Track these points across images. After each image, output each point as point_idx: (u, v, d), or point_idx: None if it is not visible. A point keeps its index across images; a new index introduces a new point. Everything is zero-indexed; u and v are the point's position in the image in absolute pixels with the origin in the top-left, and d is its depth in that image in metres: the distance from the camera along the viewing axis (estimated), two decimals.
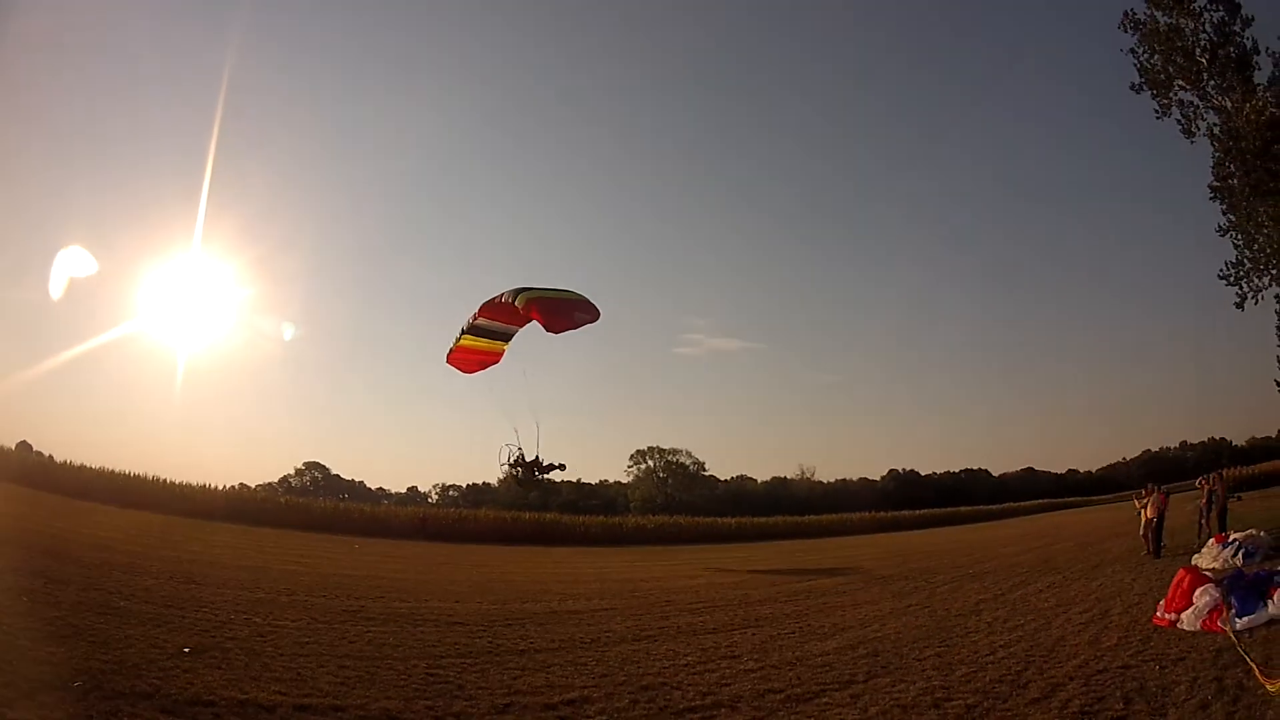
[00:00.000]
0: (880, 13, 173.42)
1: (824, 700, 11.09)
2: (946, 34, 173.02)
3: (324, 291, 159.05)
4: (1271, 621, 13.62)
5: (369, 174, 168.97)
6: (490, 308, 29.13)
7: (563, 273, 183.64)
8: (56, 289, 33.64)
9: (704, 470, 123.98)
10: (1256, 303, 52.50)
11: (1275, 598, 14.19)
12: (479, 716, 10.03)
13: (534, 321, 28.29)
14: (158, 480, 53.22)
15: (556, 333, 27.91)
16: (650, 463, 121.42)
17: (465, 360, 32.20)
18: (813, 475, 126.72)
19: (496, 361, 31.71)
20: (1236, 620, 13.56)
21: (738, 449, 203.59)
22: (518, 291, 27.73)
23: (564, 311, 28.89)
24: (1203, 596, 14.65)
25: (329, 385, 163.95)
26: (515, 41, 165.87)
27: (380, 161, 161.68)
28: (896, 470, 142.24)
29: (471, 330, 30.07)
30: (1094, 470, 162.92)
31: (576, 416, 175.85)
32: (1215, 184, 51.26)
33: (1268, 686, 9.86)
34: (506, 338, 30.80)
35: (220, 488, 58.01)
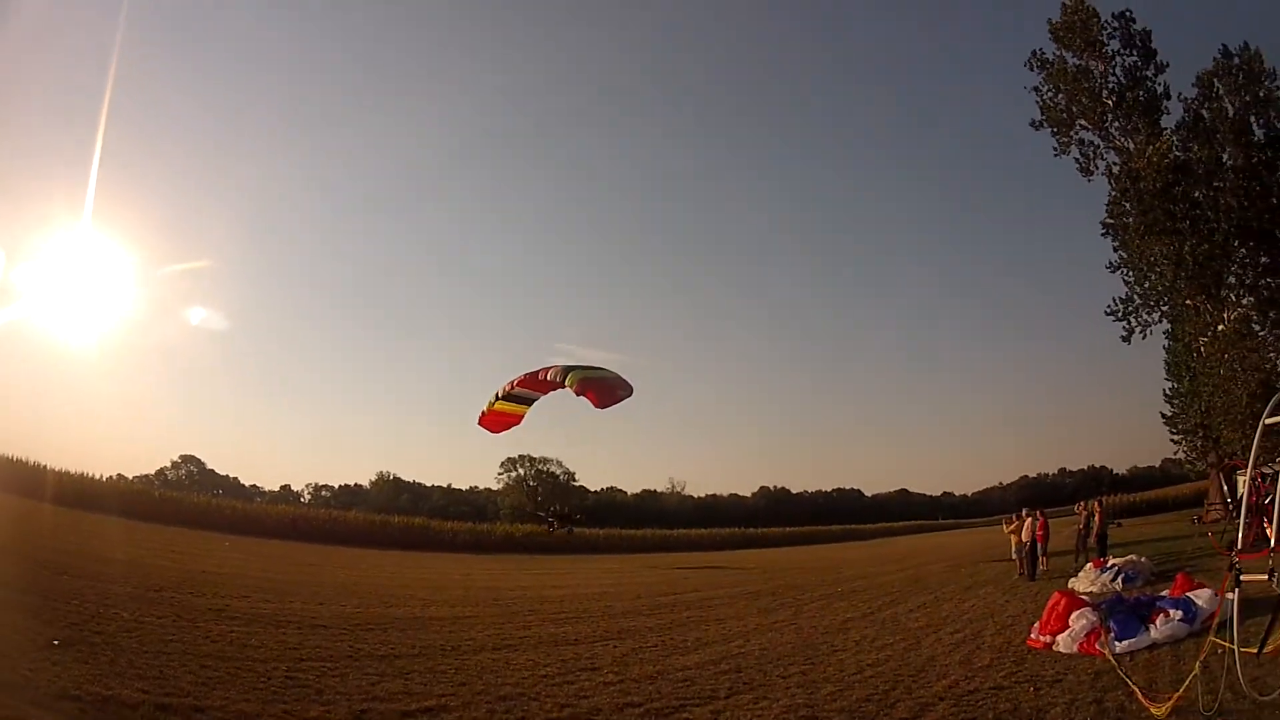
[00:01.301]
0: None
1: (684, 716, 10.97)
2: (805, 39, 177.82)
3: (221, 275, 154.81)
4: (1154, 646, 13.96)
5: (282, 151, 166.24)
6: (531, 380, 32.51)
7: (432, 267, 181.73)
8: None
9: (574, 480, 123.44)
10: (1144, 337, 54.80)
11: (1158, 623, 14.58)
12: None
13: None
14: (38, 466, 52.11)
15: (602, 409, 30.76)
16: (521, 470, 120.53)
17: (496, 422, 34.40)
18: (683, 489, 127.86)
19: (519, 423, 33.88)
20: (1116, 643, 13.83)
21: (609, 458, 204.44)
22: (567, 371, 30.45)
23: (611, 391, 31.79)
24: (1079, 620, 14.93)
25: (209, 376, 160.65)
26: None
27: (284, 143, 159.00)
28: (767, 487, 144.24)
29: (508, 398, 32.37)
30: (969, 494, 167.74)
31: (450, 419, 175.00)
32: (1109, 221, 53.38)
33: (1152, 710, 10.00)
34: (532, 402, 33.18)
35: (100, 477, 57.92)
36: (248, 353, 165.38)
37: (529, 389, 34.42)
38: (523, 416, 35.75)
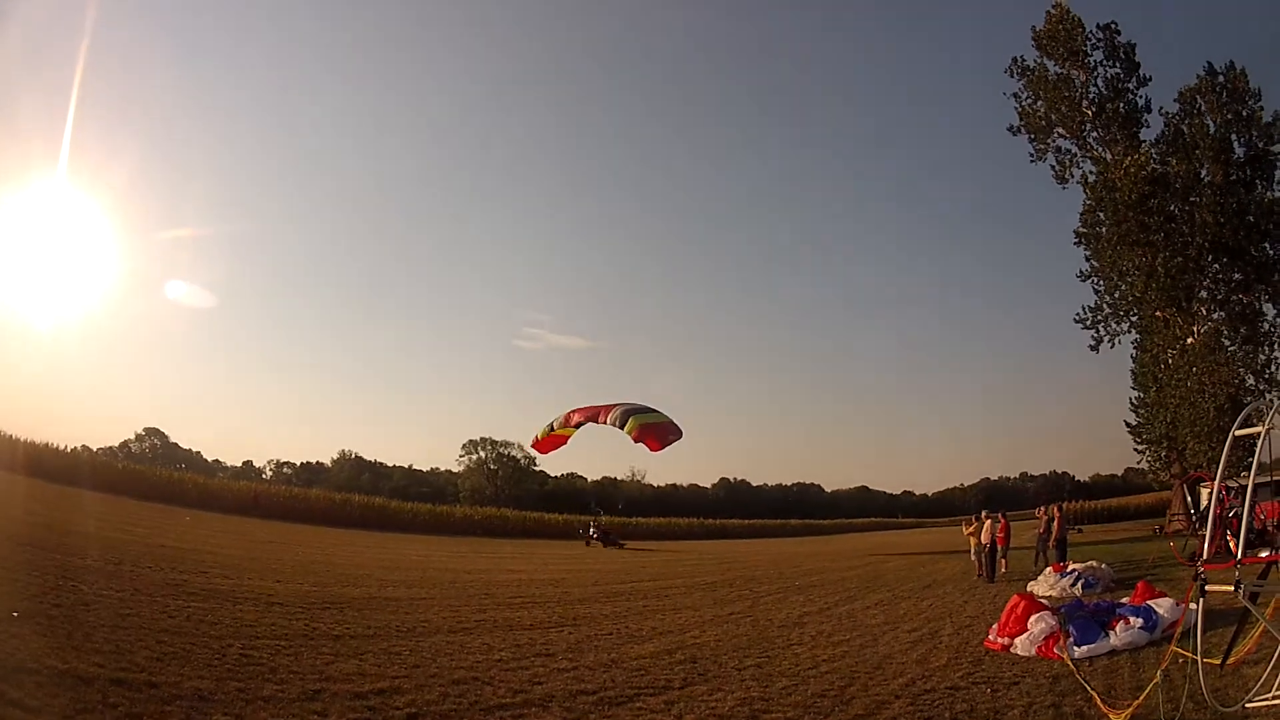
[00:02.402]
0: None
1: (638, 705, 10.86)
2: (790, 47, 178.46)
3: (198, 248, 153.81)
4: (1113, 652, 14.02)
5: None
6: (587, 414, 39.95)
7: (408, 246, 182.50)
8: None
9: (535, 465, 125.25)
10: (1112, 346, 55.37)
11: (1118, 629, 14.64)
12: (288, 701, 9.74)
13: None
14: (5, 435, 51.91)
15: (656, 451, 38.83)
16: (482, 454, 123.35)
17: (550, 445, 44.47)
18: (643, 478, 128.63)
19: (565, 444, 42.78)
20: (1075, 648, 13.87)
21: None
22: (626, 416, 37.59)
23: (664, 437, 39.10)
24: (1038, 623, 14.97)
25: (174, 348, 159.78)
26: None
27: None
28: (728, 479, 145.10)
29: (565, 427, 40.29)
30: (930, 493, 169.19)
31: (415, 397, 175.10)
32: (1082, 230, 53.75)
33: (1111, 716, 10.02)
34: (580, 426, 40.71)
35: (66, 448, 57.82)
36: (215, 326, 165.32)
37: (585, 419, 40.08)
38: (570, 438, 42.82)
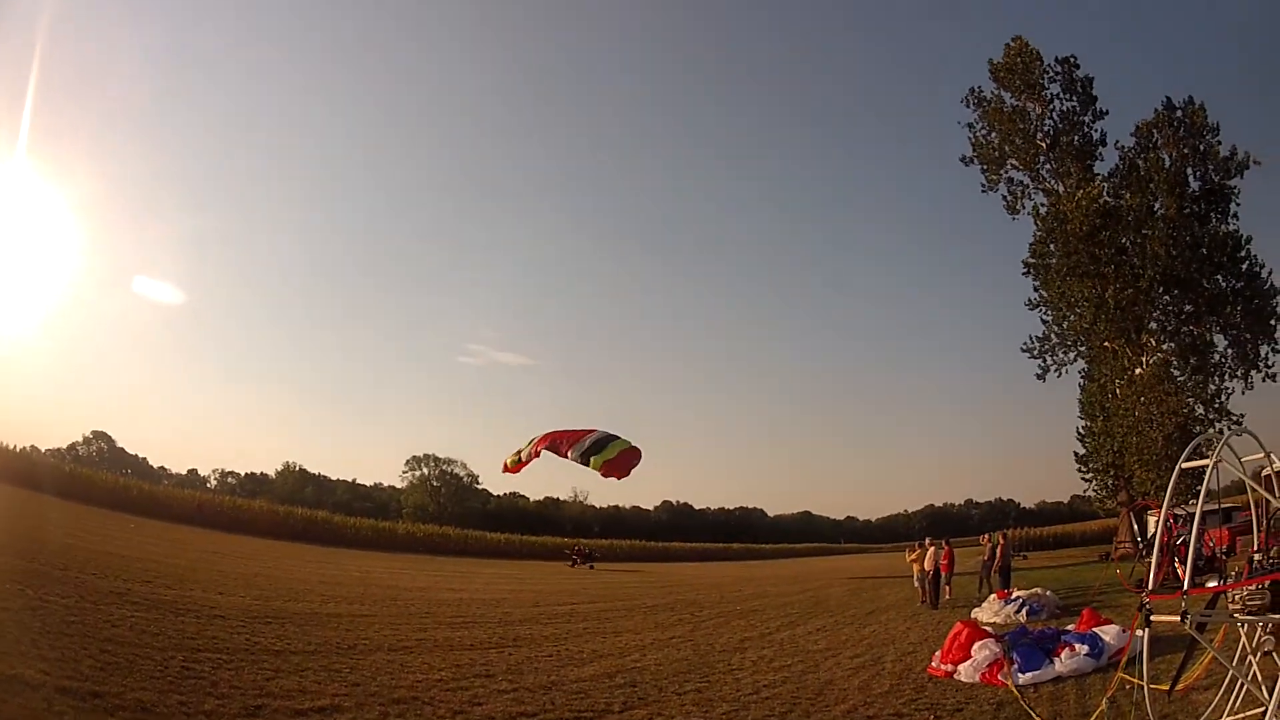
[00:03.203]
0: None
1: None
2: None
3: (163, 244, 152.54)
4: (1059, 679, 14.03)
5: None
6: (554, 448, 36.08)
7: (355, 255, 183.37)
8: None
9: (478, 483, 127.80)
10: (1059, 375, 56.04)
11: (1063, 656, 14.66)
12: (228, 717, 9.72)
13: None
14: None
15: (620, 479, 34.74)
16: (425, 470, 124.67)
17: (518, 469, 40.10)
18: (586, 499, 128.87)
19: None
20: (1019, 675, 13.89)
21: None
22: (589, 455, 33.74)
23: (627, 465, 35.60)
24: (982, 650, 14.98)
25: (128, 349, 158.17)
26: None
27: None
28: (670, 502, 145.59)
29: (530, 458, 37.39)
30: (874, 519, 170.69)
31: (360, 411, 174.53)
32: (1031, 260, 54.38)
33: None
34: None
35: (14, 448, 57.73)
36: (167, 332, 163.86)
37: (548, 448, 40.71)
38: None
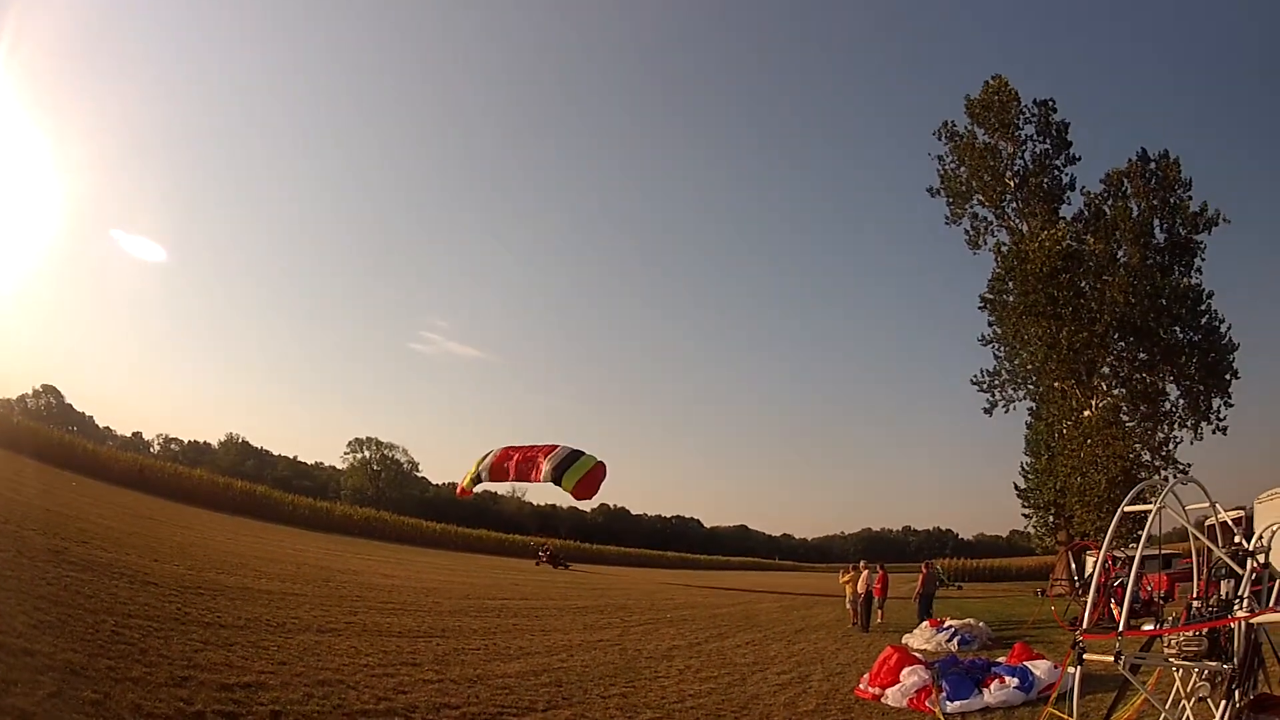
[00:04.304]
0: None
1: None
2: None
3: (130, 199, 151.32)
4: (986, 710, 14.12)
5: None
6: (517, 471, 44.78)
7: (314, 232, 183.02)
8: None
9: (417, 471, 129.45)
10: (1006, 411, 56.76)
11: (992, 687, 14.75)
12: (155, 686, 9.53)
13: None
14: None
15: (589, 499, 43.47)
16: (366, 453, 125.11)
17: (468, 493, 49.01)
18: (523, 496, 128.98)
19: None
20: (947, 703, 13.97)
21: (454, 455, 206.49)
22: (560, 474, 41.68)
23: (594, 483, 43.00)
24: (910, 676, 15.07)
25: (90, 303, 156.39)
26: None
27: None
28: (607, 505, 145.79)
29: (492, 478, 45.45)
30: (810, 538, 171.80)
31: (307, 389, 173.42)
32: (988, 296, 55.03)
33: None
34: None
35: None
36: (126, 288, 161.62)
37: (514, 466, 43.38)
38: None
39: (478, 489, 49.05)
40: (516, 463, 44.51)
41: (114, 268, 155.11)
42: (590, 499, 43.85)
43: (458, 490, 55.07)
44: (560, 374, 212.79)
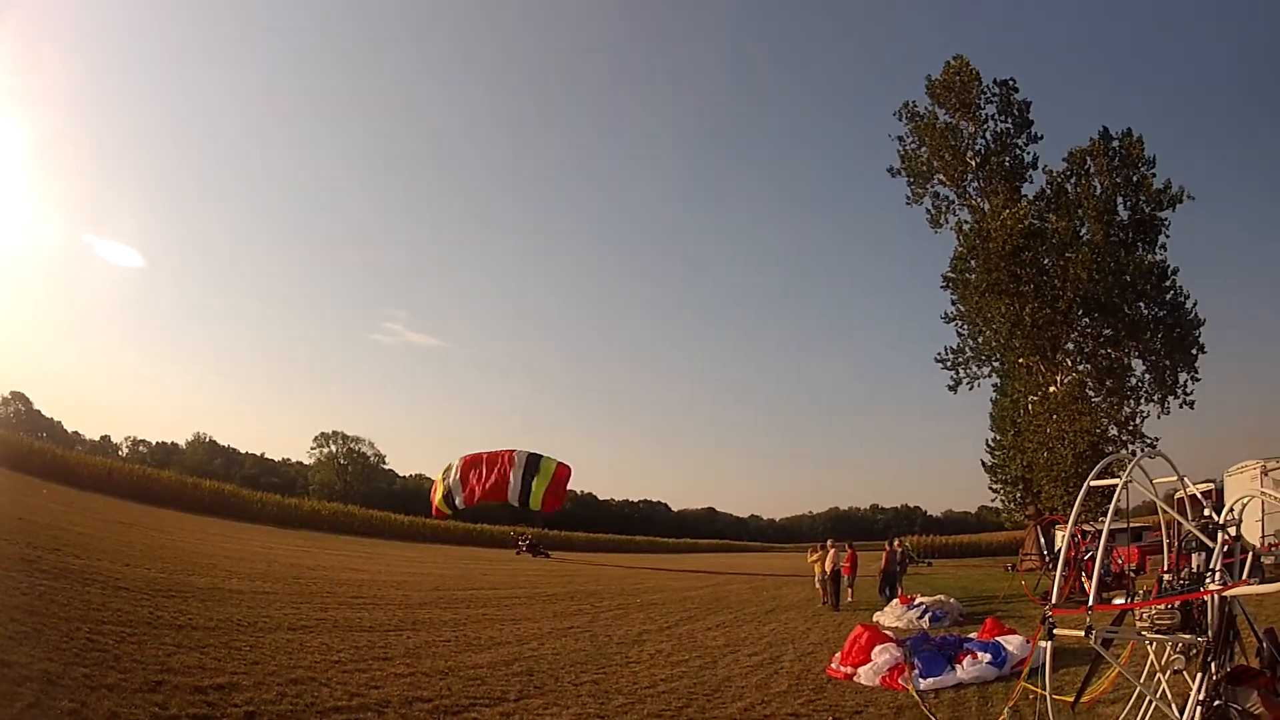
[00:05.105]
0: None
1: (472, 715, 10.77)
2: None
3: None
4: (960, 686, 14.14)
5: None
6: (495, 495, 49.60)
7: (273, 223, 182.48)
8: None
9: (384, 463, 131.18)
10: (971, 388, 57.11)
11: (964, 663, 14.81)
12: (130, 692, 9.49)
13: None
14: None
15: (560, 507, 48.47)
16: (333, 448, 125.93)
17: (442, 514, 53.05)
18: None
19: None
20: (920, 680, 13.98)
21: (420, 447, 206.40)
22: (527, 488, 46.35)
23: (561, 486, 48.22)
24: (882, 654, 15.09)
25: (59, 309, 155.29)
26: None
27: None
28: (575, 491, 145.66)
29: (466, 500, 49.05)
30: (778, 519, 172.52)
31: (268, 386, 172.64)
32: (950, 275, 55.31)
33: None
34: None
35: None
36: (99, 294, 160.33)
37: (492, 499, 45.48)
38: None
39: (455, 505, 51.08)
40: (485, 488, 46.50)
41: (79, 271, 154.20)
42: (560, 506, 45.71)
43: (433, 511, 56.75)
44: (522, 362, 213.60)
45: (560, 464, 52.88)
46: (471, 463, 52.37)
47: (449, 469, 55.78)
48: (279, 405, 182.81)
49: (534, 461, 50.07)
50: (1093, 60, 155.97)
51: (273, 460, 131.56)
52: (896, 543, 35.20)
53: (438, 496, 56.32)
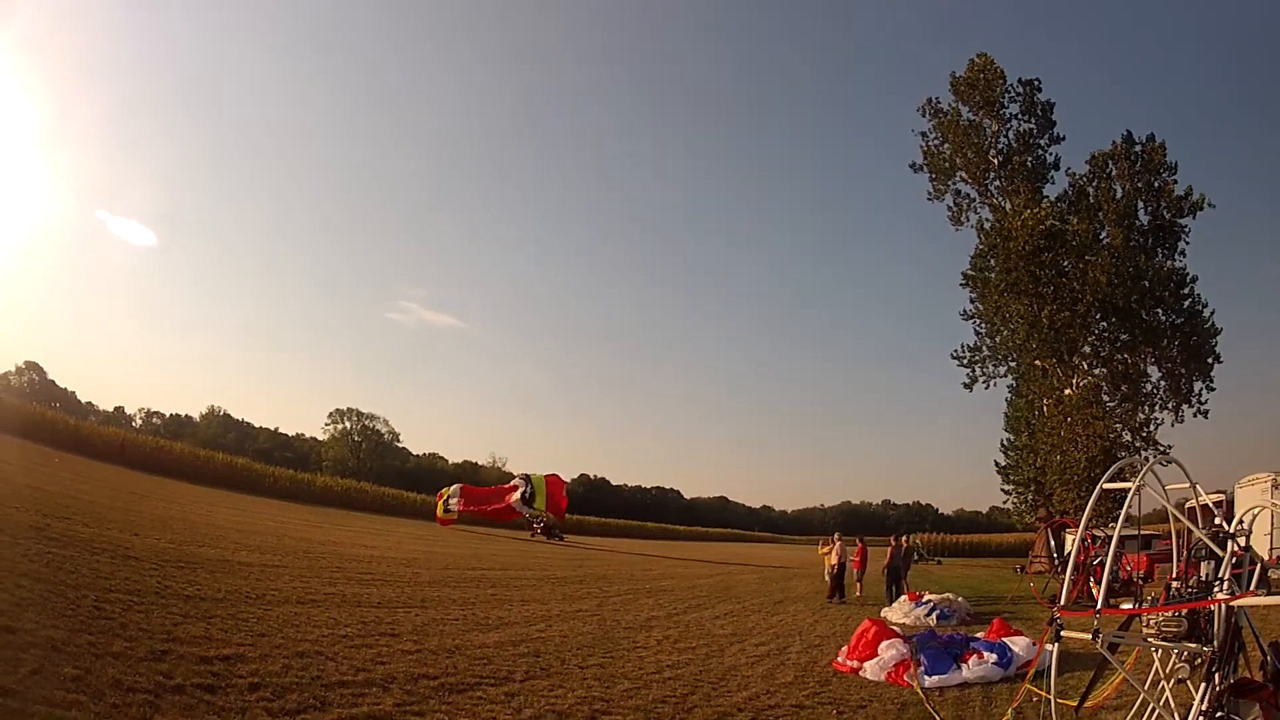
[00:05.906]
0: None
1: (478, 694, 10.71)
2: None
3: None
4: (965, 685, 14.11)
5: None
6: (505, 514, 54.50)
7: (292, 203, 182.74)
8: None
9: (398, 441, 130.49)
10: (987, 387, 56.84)
11: (970, 662, 14.77)
12: (135, 660, 9.45)
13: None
14: None
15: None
16: (347, 424, 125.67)
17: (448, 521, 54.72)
18: (504, 465, 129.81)
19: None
20: (925, 678, 13.96)
21: (434, 426, 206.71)
22: (531, 500, 49.52)
23: (558, 497, 51.92)
24: (889, 650, 15.08)
25: (75, 280, 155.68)
26: None
27: None
28: (588, 475, 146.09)
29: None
30: (790, 510, 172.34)
31: (288, 360, 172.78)
32: (970, 273, 55.01)
33: None
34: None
35: None
36: (114, 267, 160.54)
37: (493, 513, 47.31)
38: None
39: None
40: (488, 512, 49.63)
41: (97, 246, 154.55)
42: (566, 507, 47.30)
43: (438, 519, 58.90)
44: (540, 343, 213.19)
45: (548, 476, 55.43)
46: (471, 501, 55.45)
47: (449, 494, 59.55)
48: (294, 381, 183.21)
49: (525, 481, 52.77)
50: (1116, 67, 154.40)
51: (287, 435, 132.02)
52: (904, 538, 35.09)
53: (440, 509, 59.40)
